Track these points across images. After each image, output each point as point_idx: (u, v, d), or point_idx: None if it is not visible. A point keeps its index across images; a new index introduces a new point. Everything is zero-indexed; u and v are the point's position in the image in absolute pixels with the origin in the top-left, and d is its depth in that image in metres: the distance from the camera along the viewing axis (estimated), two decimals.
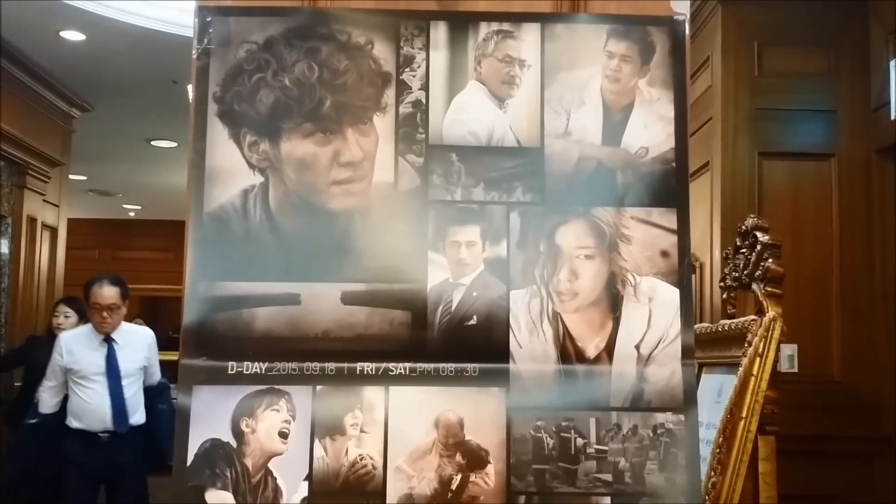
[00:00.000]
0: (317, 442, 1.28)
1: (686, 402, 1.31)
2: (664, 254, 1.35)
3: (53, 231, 6.44)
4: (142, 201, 11.10)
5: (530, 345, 1.32)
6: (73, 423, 4.23)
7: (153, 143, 7.85)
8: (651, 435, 1.30)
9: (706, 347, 2.69)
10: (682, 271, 1.34)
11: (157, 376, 4.49)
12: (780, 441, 2.30)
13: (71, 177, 7.09)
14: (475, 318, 1.32)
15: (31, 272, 6.09)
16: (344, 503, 1.26)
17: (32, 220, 6.08)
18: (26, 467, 4.38)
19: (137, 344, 4.42)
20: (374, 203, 1.34)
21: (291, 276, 1.31)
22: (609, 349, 1.33)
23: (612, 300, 1.34)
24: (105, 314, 4.21)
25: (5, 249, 5.82)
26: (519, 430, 1.29)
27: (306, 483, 1.26)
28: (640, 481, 1.29)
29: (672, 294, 1.34)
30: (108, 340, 4.27)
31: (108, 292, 4.24)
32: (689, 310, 1.33)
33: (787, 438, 2.41)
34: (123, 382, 4.29)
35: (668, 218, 1.36)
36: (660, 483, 1.29)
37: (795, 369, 3.67)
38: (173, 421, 1.28)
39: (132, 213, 11.81)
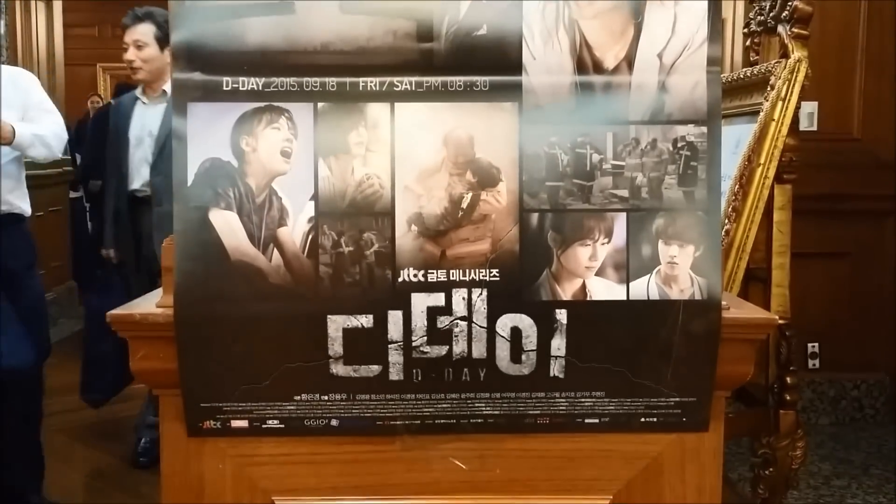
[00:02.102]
0: (321, 161, 1.22)
1: (710, 113, 1.23)
2: None
3: (48, 3, 6.22)
4: None
5: (544, 56, 1.23)
6: None
7: None
8: (671, 149, 1.24)
9: (725, 97, 2.61)
10: None
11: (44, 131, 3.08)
12: (794, 200, 2.28)
13: None
14: (485, 27, 1.22)
15: (30, 48, 5.94)
16: (352, 223, 1.22)
17: None
18: None
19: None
20: None
21: None
22: (629, 58, 1.23)
23: (634, 4, 1.24)
24: None
25: (2, 30, 5.64)
26: (532, 147, 1.23)
27: (312, 203, 1.22)
28: (658, 196, 1.24)
29: None
30: None
31: None
32: (718, 12, 1.22)
33: (802, 198, 2.38)
34: None
35: None
36: (678, 197, 1.24)
37: (815, 127, 3.62)
38: None
39: None
